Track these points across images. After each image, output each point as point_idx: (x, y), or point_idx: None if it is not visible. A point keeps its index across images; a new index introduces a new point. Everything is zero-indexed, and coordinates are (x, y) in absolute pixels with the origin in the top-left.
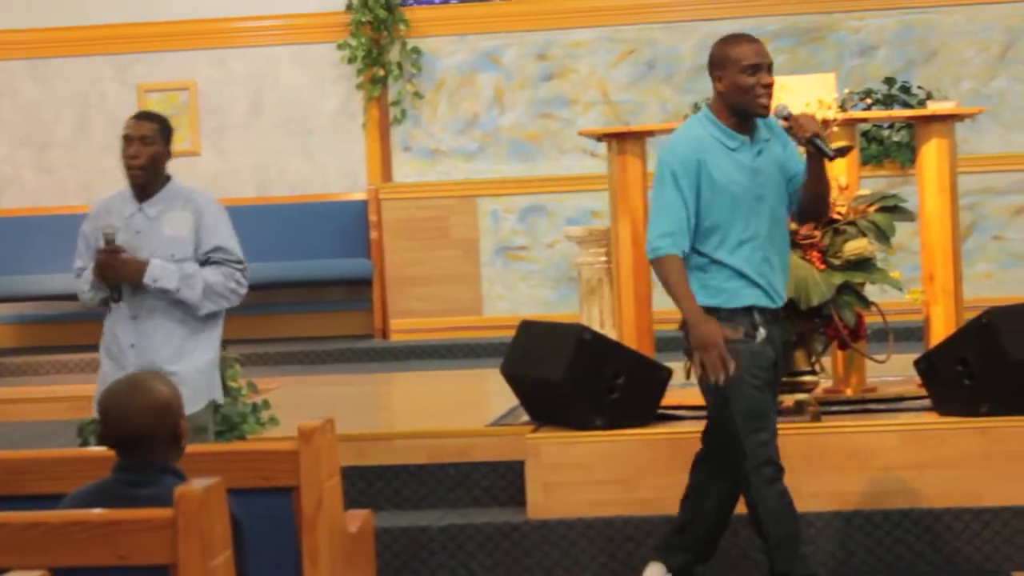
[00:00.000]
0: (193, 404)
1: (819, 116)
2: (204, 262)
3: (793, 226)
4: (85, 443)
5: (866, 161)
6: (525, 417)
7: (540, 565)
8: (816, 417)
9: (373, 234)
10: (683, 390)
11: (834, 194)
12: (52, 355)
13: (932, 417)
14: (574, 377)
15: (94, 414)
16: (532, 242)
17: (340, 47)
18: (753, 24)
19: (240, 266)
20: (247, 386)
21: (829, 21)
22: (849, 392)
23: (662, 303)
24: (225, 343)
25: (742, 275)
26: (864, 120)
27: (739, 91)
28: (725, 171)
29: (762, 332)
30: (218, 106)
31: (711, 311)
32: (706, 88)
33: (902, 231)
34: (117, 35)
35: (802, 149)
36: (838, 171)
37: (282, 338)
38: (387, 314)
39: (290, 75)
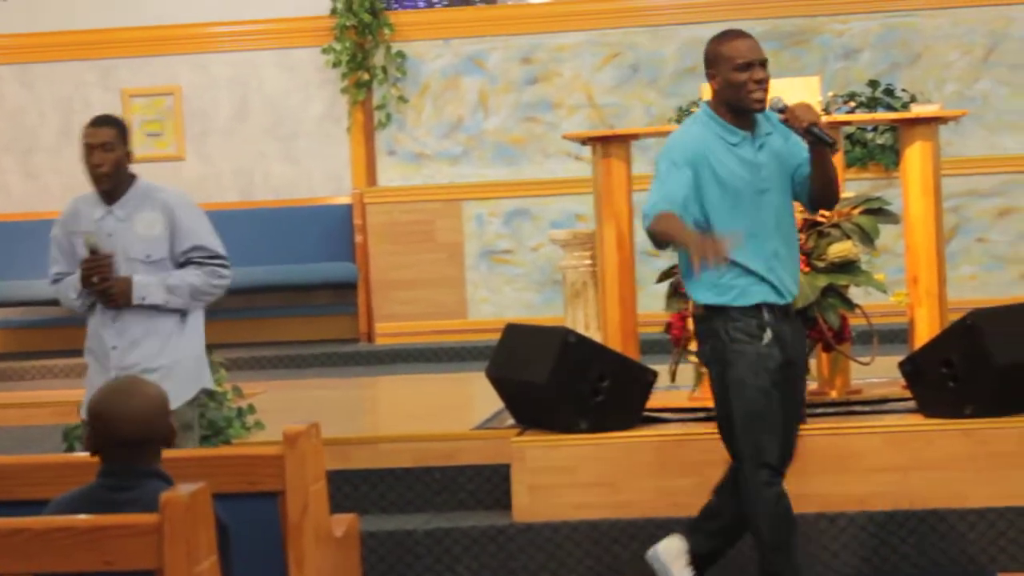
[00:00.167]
0: (179, 398)
1: None
2: (184, 262)
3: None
4: (70, 448)
5: (850, 164)
6: (510, 420)
7: (526, 568)
8: (801, 419)
9: (358, 238)
10: (668, 393)
11: None
12: (37, 360)
13: (917, 419)
14: (559, 380)
15: (81, 418)
16: (517, 245)
17: (325, 51)
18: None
19: (220, 260)
20: (232, 390)
21: (813, 24)
22: (834, 394)
23: (647, 306)
24: (210, 347)
25: (750, 271)
26: (848, 123)
27: (732, 88)
28: (727, 165)
29: (768, 334)
30: (202, 111)
31: (720, 309)
32: (690, 91)
33: (886, 233)
34: (101, 40)
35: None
36: None
37: (267, 342)
38: (372, 318)
39: (274, 79)
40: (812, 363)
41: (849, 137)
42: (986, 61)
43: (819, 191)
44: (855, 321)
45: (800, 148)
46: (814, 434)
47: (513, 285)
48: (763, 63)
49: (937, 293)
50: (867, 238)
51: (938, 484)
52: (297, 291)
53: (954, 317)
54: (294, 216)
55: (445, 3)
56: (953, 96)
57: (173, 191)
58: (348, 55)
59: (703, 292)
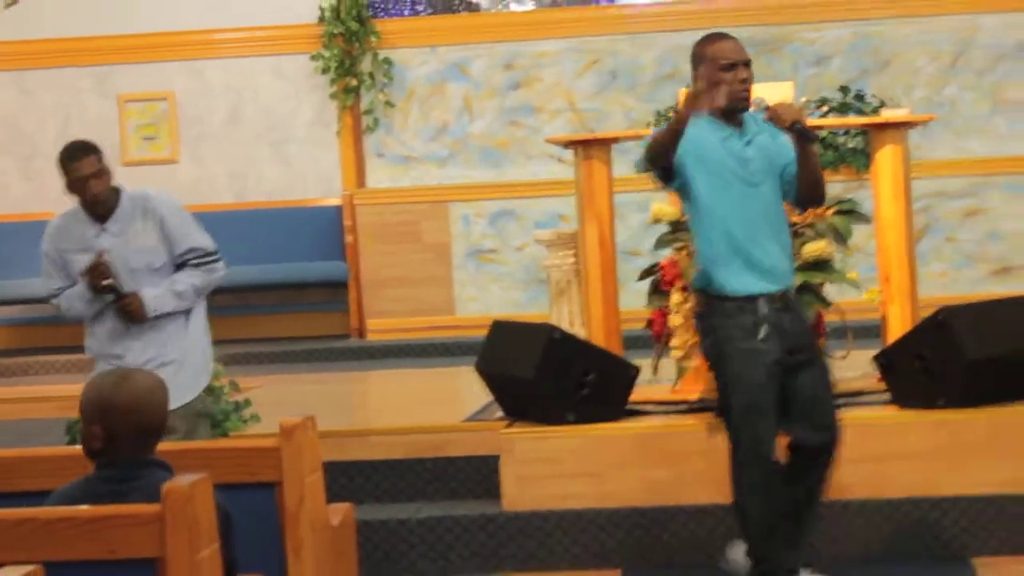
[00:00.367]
0: (194, 388)
1: None
2: (181, 264)
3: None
4: (73, 441)
5: (822, 167)
6: (499, 413)
7: (515, 555)
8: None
9: (348, 238)
10: (650, 387)
11: None
12: (40, 356)
13: (891, 411)
14: (545, 375)
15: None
16: (502, 245)
17: (314, 58)
18: None
19: (213, 256)
20: (229, 385)
21: (786, 32)
22: None
23: (629, 303)
24: None
25: (747, 264)
26: (820, 127)
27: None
28: (716, 155)
29: (764, 330)
30: (196, 116)
31: (717, 301)
32: (668, 97)
33: (858, 233)
34: (97, 47)
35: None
36: None
37: (263, 338)
38: (363, 315)
39: (266, 85)
40: None
41: (821, 141)
42: (953, 67)
43: (806, 189)
44: (830, 318)
45: (788, 148)
46: None
47: (499, 283)
48: (747, 63)
49: (908, 290)
50: (840, 237)
51: (912, 473)
52: (290, 289)
53: (925, 313)
54: (287, 217)
55: (430, 11)
56: (922, 101)
57: (155, 195)
58: (336, 62)
59: (702, 280)
